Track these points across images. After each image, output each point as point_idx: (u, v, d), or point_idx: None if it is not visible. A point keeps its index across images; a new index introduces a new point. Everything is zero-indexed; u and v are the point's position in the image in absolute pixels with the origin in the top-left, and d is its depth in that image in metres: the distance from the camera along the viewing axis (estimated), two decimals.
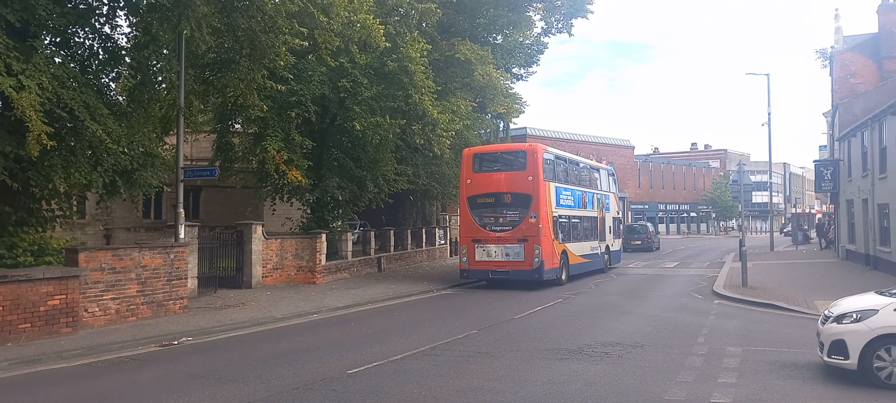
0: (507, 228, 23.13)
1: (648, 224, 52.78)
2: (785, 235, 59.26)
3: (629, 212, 70.23)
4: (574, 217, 26.11)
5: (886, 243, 24.99)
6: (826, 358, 9.85)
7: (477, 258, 23.32)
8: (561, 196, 24.68)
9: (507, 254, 22.87)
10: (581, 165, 29.45)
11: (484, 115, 37.18)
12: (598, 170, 31.41)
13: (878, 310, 9.58)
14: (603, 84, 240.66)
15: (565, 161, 27.09)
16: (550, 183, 23.73)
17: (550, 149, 25.94)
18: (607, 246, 30.04)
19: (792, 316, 16.71)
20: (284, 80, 19.62)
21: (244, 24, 16.26)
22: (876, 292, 10.65)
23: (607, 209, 30.71)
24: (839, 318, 9.87)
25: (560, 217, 24.35)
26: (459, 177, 25.17)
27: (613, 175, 34.09)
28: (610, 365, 10.73)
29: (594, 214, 28.69)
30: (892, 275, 23.37)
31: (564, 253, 24.33)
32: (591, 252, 27.66)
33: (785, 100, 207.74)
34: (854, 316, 9.73)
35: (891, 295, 9.86)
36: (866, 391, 9.13)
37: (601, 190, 30.49)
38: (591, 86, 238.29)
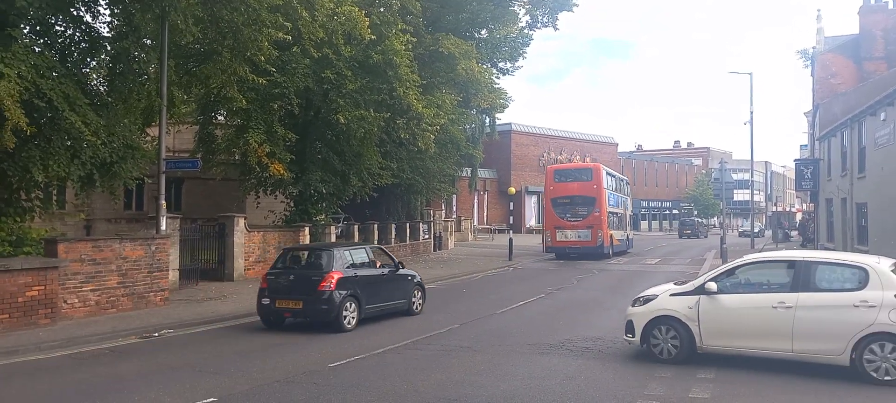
0: (578, 219, 33.83)
1: None
2: (741, 235, 56.98)
3: None
4: (616, 213, 37.28)
5: (864, 242, 25.33)
6: (624, 336, 11.27)
7: (557, 239, 34.16)
8: (610, 199, 35.53)
9: (578, 236, 33.51)
10: (618, 177, 41.49)
11: (469, 110, 37.25)
12: (625, 181, 43.49)
13: (657, 296, 11.07)
14: (587, 81, 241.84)
15: (612, 175, 39.11)
16: (606, 190, 34.57)
17: (605, 167, 38.50)
18: (628, 235, 40.92)
19: None
20: (266, 73, 19.50)
21: (227, 15, 16.12)
22: (675, 283, 11.94)
23: (628, 208, 42.17)
24: (632, 302, 11.43)
25: (610, 213, 35.14)
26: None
27: (629, 183, 46.04)
28: (590, 360, 10.81)
29: (623, 212, 39.66)
30: None
31: (611, 236, 34.75)
32: (621, 237, 38.21)
33: (767, 100, 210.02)
34: (641, 300, 11.23)
35: (677, 285, 11.30)
36: (837, 383, 9.27)
37: (625, 194, 41.69)
38: (576, 83, 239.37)
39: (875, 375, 9.15)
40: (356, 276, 14.25)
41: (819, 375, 9.72)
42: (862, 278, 9.65)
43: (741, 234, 54.76)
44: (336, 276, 13.68)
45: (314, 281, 13.67)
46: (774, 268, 10.94)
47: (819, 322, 9.55)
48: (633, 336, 10.93)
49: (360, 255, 15.23)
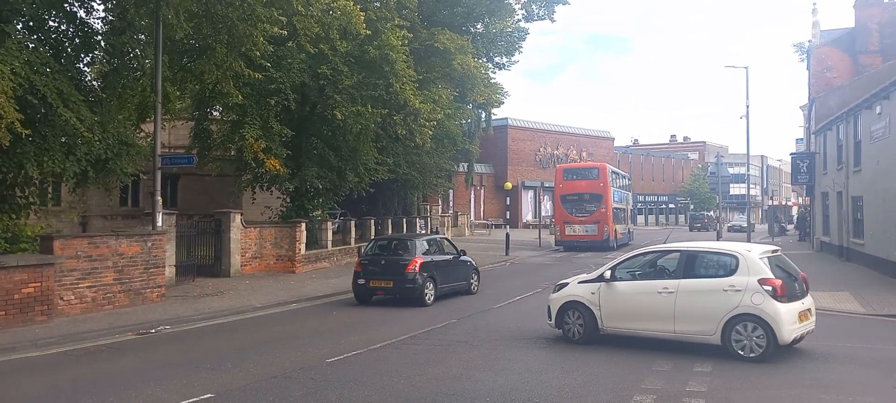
0: (585, 215, 36.24)
1: None
2: (730, 230, 53.01)
3: None
4: (620, 208, 40.26)
5: (859, 235, 25.41)
6: (546, 321, 12.26)
7: (566, 233, 36.69)
8: (615, 195, 38.26)
9: (586, 231, 35.94)
10: (621, 174, 44.59)
11: (465, 105, 37.22)
12: (627, 177, 47.81)
13: (568, 283, 12.20)
14: (583, 76, 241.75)
15: (617, 173, 42.14)
16: (611, 187, 37.26)
17: (610, 166, 41.30)
18: (629, 228, 43.99)
19: None
20: (262, 69, 19.42)
21: (221, 10, 16.05)
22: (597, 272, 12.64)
23: (629, 203, 45.91)
24: (553, 289, 12.61)
25: (615, 208, 37.80)
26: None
27: (630, 179, 50.30)
28: (587, 354, 10.81)
29: (625, 207, 42.99)
30: (865, 267, 23.79)
31: (615, 230, 37.25)
32: (624, 231, 40.75)
33: (764, 93, 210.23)
34: (557, 287, 12.37)
35: (586, 274, 12.41)
36: (841, 377, 9.30)
37: (627, 190, 45.21)
38: (572, 78, 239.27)
39: (741, 353, 10.14)
40: (432, 261, 17.01)
41: (821, 370, 9.75)
42: (733, 265, 10.58)
43: (730, 229, 54.00)
44: (419, 261, 16.50)
45: (402, 265, 16.50)
46: (664, 258, 11.79)
47: (695, 305, 10.55)
48: (550, 319, 12.07)
49: (434, 244, 18.23)
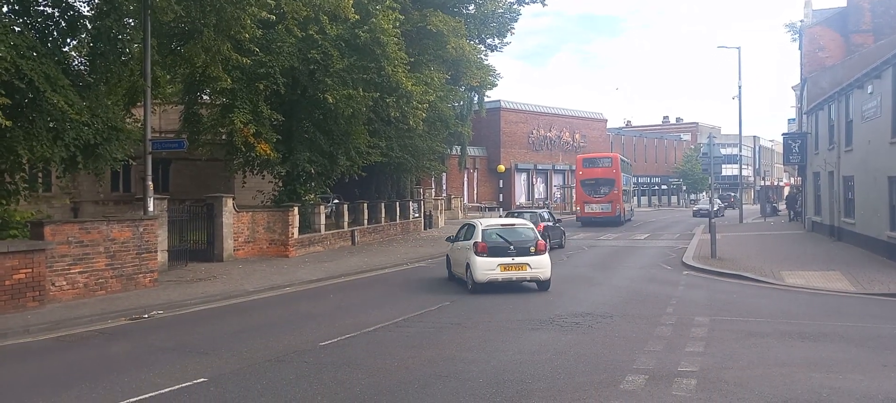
0: (601, 196, 44.19)
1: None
2: (696, 214, 52.39)
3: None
4: (626, 190, 48.51)
5: (850, 215, 25.54)
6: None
7: (585, 211, 44.44)
8: (623, 179, 46.25)
9: (602, 209, 43.69)
10: (626, 161, 52.77)
11: (457, 87, 37.09)
12: (629, 163, 56.11)
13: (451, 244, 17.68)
14: (576, 57, 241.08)
15: (624, 160, 50.80)
16: (621, 172, 45.25)
17: (620, 155, 51.21)
18: (632, 207, 53.23)
19: (758, 286, 17.05)
20: (250, 53, 19.24)
21: None
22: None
23: (631, 185, 55.94)
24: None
25: (624, 190, 45.93)
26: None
27: (630, 164, 58.81)
28: (580, 335, 10.86)
29: (629, 189, 52.47)
30: (856, 246, 23.94)
31: (624, 209, 45.51)
32: (629, 209, 49.57)
33: (756, 74, 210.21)
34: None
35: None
36: (831, 355, 9.37)
37: (630, 174, 54.14)
38: (565, 60, 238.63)
39: (469, 286, 15.57)
40: (547, 226, 25.94)
41: (812, 349, 9.83)
42: (473, 231, 16.29)
43: (696, 214, 52.36)
44: (542, 225, 24.38)
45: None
46: (469, 227, 17.01)
47: (461, 257, 16.41)
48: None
49: (547, 214, 29.64)
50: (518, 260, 15.47)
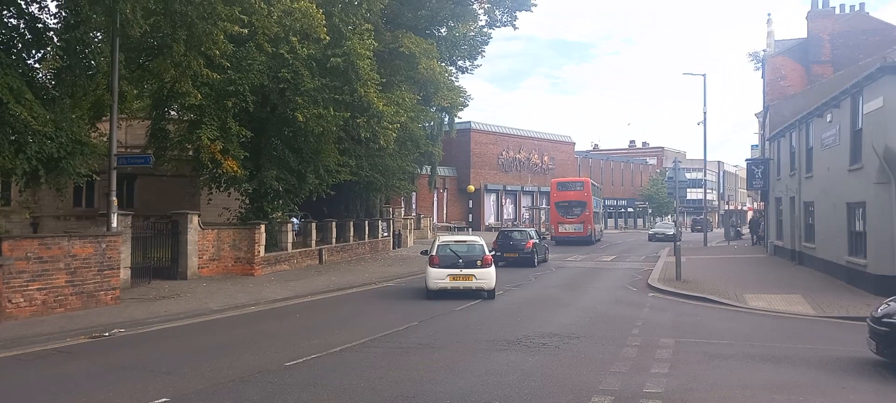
0: (573, 217, 46.98)
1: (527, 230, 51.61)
2: (651, 239, 52.20)
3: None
4: (597, 212, 51.64)
5: (811, 239, 26.12)
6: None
7: (559, 231, 47.05)
8: (595, 201, 49.60)
9: (574, 229, 46.51)
10: (596, 185, 55.12)
11: (428, 108, 37.15)
12: (599, 187, 59.29)
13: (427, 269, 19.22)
14: (546, 82, 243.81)
15: (595, 185, 53.20)
16: (592, 196, 48.35)
17: (591, 179, 54.97)
18: (601, 228, 55.83)
19: (722, 308, 17.31)
20: (221, 69, 19.07)
21: (180, 8, 15.71)
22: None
23: (601, 207, 59.56)
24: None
25: (594, 212, 48.76)
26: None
27: (600, 188, 61.57)
28: (547, 356, 10.89)
29: (600, 210, 55.85)
30: (816, 270, 24.47)
31: (595, 229, 48.42)
32: (599, 229, 52.73)
33: (720, 101, 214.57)
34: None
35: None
36: (793, 378, 9.53)
37: (599, 197, 56.60)
38: (535, 84, 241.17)
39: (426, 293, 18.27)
40: (537, 242, 30.04)
41: (774, 371, 9.99)
42: (432, 245, 18.89)
43: (652, 238, 52.35)
44: (533, 242, 29.56)
45: (523, 244, 29.42)
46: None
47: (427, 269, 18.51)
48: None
49: (534, 233, 32.16)
50: (465, 271, 17.82)
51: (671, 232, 49.36)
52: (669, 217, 78.93)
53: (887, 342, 9.93)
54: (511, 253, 28.83)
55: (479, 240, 19.65)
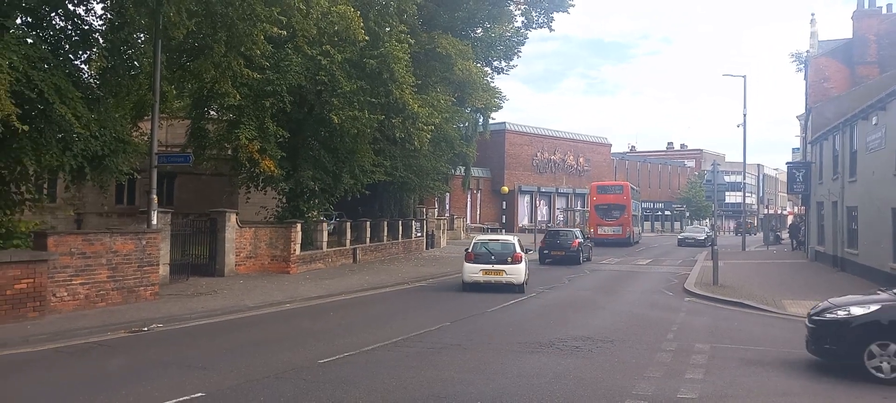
0: (612, 220, 48.54)
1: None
2: (681, 244, 50.04)
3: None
4: (635, 215, 53.86)
5: (854, 245, 25.46)
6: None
7: (598, 233, 47.10)
8: (634, 205, 51.75)
9: (613, 231, 47.70)
10: (636, 189, 57.58)
11: (463, 109, 37.21)
12: (638, 190, 61.12)
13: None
14: (583, 83, 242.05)
15: (633, 189, 54.83)
16: (631, 199, 50.21)
17: (630, 184, 55.44)
18: (639, 230, 58.54)
19: (760, 314, 16.98)
20: (260, 69, 19.36)
21: (221, 9, 16.01)
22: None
23: (639, 210, 62.39)
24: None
25: (633, 215, 50.74)
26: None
27: (639, 192, 64.03)
28: (580, 359, 10.82)
29: (638, 213, 58.52)
30: (859, 277, 23.85)
31: (633, 231, 50.44)
32: (637, 232, 54.80)
33: (761, 102, 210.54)
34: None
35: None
36: (830, 385, 9.32)
37: (638, 200, 59.13)
38: (572, 85, 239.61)
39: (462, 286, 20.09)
40: (582, 241, 32.05)
41: (812, 379, 9.78)
42: (470, 243, 20.90)
43: (681, 243, 50.30)
44: (578, 240, 31.47)
45: (569, 243, 31.12)
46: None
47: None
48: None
49: (580, 233, 33.87)
50: (497, 266, 19.52)
51: (702, 236, 48.74)
52: (705, 220, 77.68)
53: (813, 338, 10.48)
54: (558, 252, 30.16)
55: (512, 239, 21.33)
